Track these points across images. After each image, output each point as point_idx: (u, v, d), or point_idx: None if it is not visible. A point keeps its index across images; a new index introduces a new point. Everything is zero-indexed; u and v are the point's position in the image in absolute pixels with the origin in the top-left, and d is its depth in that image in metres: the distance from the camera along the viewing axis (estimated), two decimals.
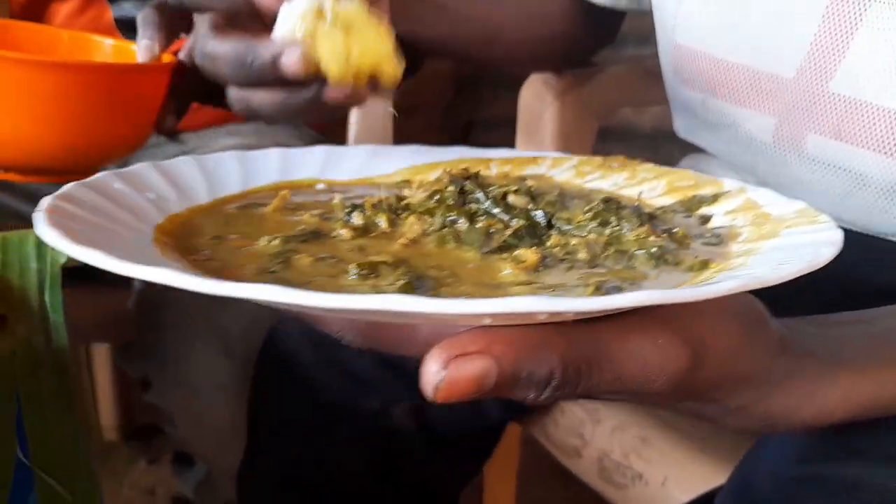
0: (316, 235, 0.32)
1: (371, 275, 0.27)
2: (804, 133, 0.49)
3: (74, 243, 0.23)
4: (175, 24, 0.56)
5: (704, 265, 0.29)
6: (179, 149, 0.83)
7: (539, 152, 0.47)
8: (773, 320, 0.30)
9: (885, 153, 0.45)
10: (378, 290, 0.26)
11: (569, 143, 0.72)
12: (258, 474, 0.63)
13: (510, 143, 0.77)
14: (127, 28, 0.75)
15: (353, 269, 0.27)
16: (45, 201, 0.27)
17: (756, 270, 0.22)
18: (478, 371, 0.22)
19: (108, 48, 0.64)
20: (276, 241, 0.30)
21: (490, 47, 0.67)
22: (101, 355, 1.15)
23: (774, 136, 0.50)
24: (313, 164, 0.45)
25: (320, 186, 0.42)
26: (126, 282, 0.80)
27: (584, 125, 0.74)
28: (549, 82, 0.74)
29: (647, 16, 0.64)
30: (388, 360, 0.56)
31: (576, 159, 0.46)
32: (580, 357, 0.24)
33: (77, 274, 0.46)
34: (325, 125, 0.91)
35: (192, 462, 0.86)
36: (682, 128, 0.60)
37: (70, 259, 0.36)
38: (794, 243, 0.28)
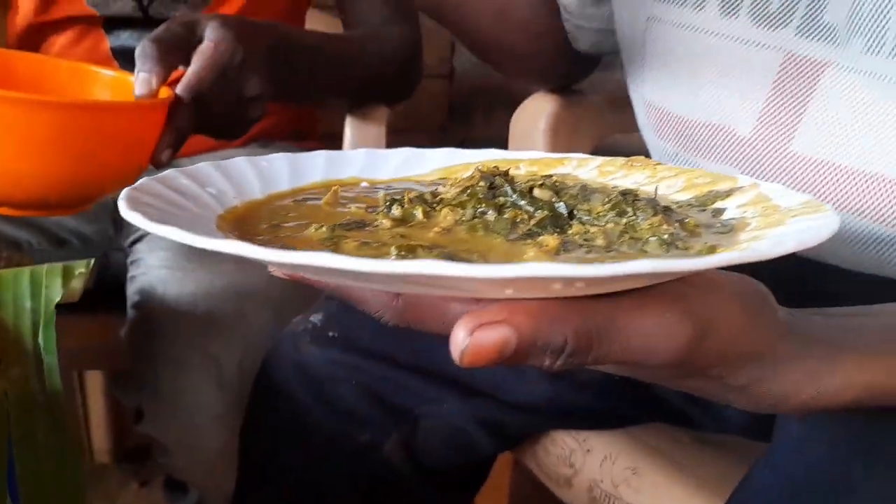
0: (360, 225, 0.36)
1: (409, 255, 0.30)
2: None
3: (156, 222, 0.26)
4: (172, 57, 0.58)
5: (712, 250, 0.32)
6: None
7: (565, 154, 0.50)
8: (782, 308, 0.32)
9: (850, 211, 0.46)
10: None
11: None
12: (250, 501, 0.65)
13: None
14: (124, 58, 0.76)
15: (393, 251, 0.30)
16: (126, 191, 0.31)
17: (756, 244, 0.25)
18: (499, 338, 0.26)
19: (106, 79, 0.64)
20: (324, 229, 0.34)
21: (501, 23, 0.67)
22: (94, 377, 1.14)
23: None
24: (356, 164, 0.48)
25: (364, 185, 0.46)
26: (119, 310, 0.80)
27: (574, 151, 0.77)
28: (540, 108, 0.76)
29: None
30: (378, 394, 0.57)
31: (600, 160, 0.49)
32: (592, 328, 0.27)
33: (70, 304, 0.47)
34: (318, 145, 0.93)
35: (184, 488, 0.84)
36: None
37: (65, 295, 0.37)
38: (796, 228, 0.30)
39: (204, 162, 0.41)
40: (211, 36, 0.60)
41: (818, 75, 0.47)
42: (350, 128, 0.87)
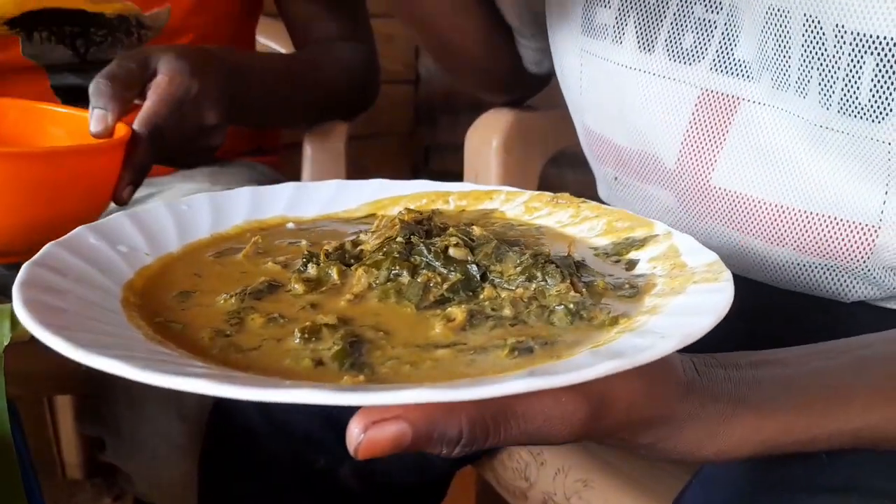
0: (272, 289, 0.36)
1: (312, 338, 0.30)
2: (701, 217, 0.52)
3: (44, 328, 0.26)
4: (127, 92, 0.57)
5: (614, 321, 0.32)
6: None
7: (494, 187, 0.51)
8: (685, 361, 0.33)
9: (773, 242, 0.48)
10: (316, 355, 0.29)
11: (514, 185, 0.75)
12: None
13: None
14: (66, 95, 0.74)
15: (297, 334, 0.30)
16: (24, 272, 0.31)
17: (607, 363, 0.25)
18: (394, 434, 0.26)
19: (59, 116, 0.63)
20: (233, 300, 0.34)
21: (460, 33, 0.67)
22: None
23: (679, 208, 0.54)
24: (282, 201, 0.48)
25: (290, 226, 0.46)
26: None
27: (528, 167, 0.77)
28: (494, 124, 0.77)
29: None
30: (333, 419, 0.58)
31: (527, 195, 0.49)
32: (487, 417, 0.27)
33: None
34: (280, 158, 0.91)
35: None
36: (604, 195, 0.64)
37: (14, 336, 0.37)
38: (689, 307, 0.31)
39: (118, 213, 0.40)
40: (164, 69, 0.60)
41: (733, 110, 0.48)
42: (309, 143, 0.86)
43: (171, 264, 0.39)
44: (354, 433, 0.26)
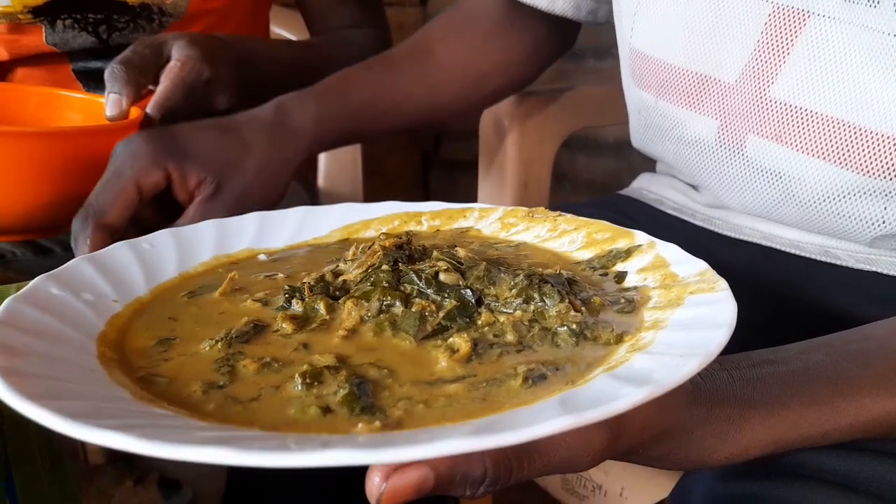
0: (258, 331, 0.33)
1: (314, 383, 0.28)
2: (745, 134, 0.52)
3: (27, 400, 0.23)
4: (141, 77, 0.58)
5: (619, 339, 0.32)
6: None
7: (467, 204, 0.50)
8: None
9: (819, 156, 0.48)
10: (322, 402, 0.27)
11: (529, 168, 0.75)
12: (243, 499, 0.64)
13: (478, 154, 0.80)
14: (87, 79, 0.76)
15: (297, 380, 0.29)
16: None
17: (632, 394, 0.25)
18: (416, 479, 0.25)
19: (76, 102, 0.66)
20: (219, 346, 0.31)
21: (436, 119, 0.71)
22: None
23: (718, 137, 0.54)
24: (248, 233, 0.46)
25: (262, 257, 0.44)
26: None
27: (543, 149, 0.77)
28: (507, 111, 0.76)
29: (605, 31, 0.67)
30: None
31: (501, 210, 0.49)
32: (511, 455, 0.26)
33: None
34: None
35: (178, 485, 0.86)
36: (636, 136, 0.64)
37: None
38: (694, 321, 0.31)
39: (77, 259, 0.37)
40: (178, 55, 0.60)
41: (802, 24, 0.49)
42: None
43: (142, 310, 0.36)
44: (375, 482, 0.25)
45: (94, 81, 0.74)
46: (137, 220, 0.52)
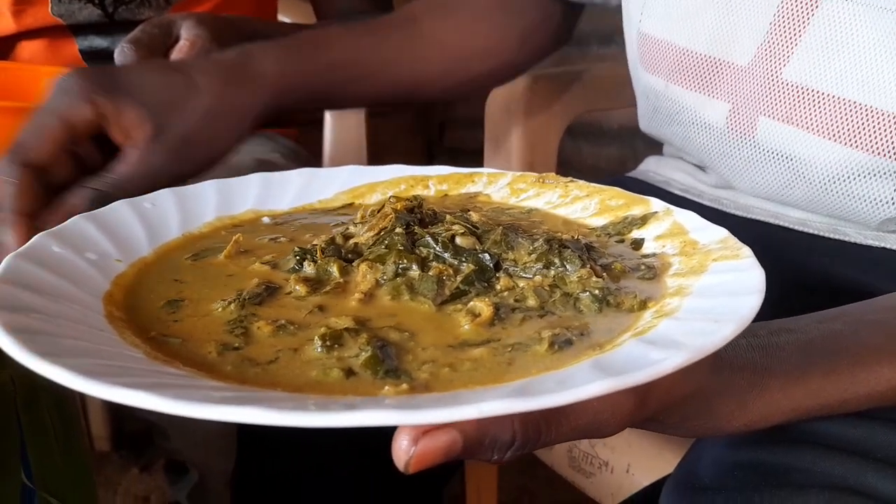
0: (270, 292, 0.32)
1: (335, 345, 0.27)
2: (756, 116, 0.51)
3: (38, 357, 0.22)
4: (150, 56, 0.57)
5: (643, 305, 0.31)
6: None
7: (475, 169, 0.48)
8: None
9: (831, 137, 0.48)
10: (344, 364, 0.26)
11: (534, 151, 0.74)
12: (252, 479, 0.64)
13: (482, 142, 0.78)
14: (93, 59, 0.75)
15: (317, 342, 0.27)
16: None
17: (671, 357, 0.24)
18: (445, 443, 0.24)
19: None
20: (232, 307, 0.30)
21: (418, 95, 0.68)
22: None
23: (728, 121, 0.53)
24: (251, 194, 0.44)
25: (266, 220, 0.42)
26: None
27: (549, 132, 0.76)
28: (513, 94, 0.75)
29: (609, 16, 0.65)
30: None
31: (510, 175, 0.48)
32: (538, 417, 0.26)
33: None
34: (300, 132, 0.91)
35: (184, 469, 0.86)
36: (644, 120, 0.63)
37: None
38: (721, 287, 0.30)
39: (77, 217, 0.36)
40: (186, 35, 0.59)
41: (815, 5, 0.48)
42: (330, 115, 0.85)
43: (147, 270, 0.34)
44: (403, 446, 0.24)
45: (101, 61, 0.73)
46: (81, 160, 0.47)
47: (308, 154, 0.83)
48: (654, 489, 0.46)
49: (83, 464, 0.41)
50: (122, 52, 0.56)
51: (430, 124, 1.49)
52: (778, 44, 0.50)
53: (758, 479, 0.37)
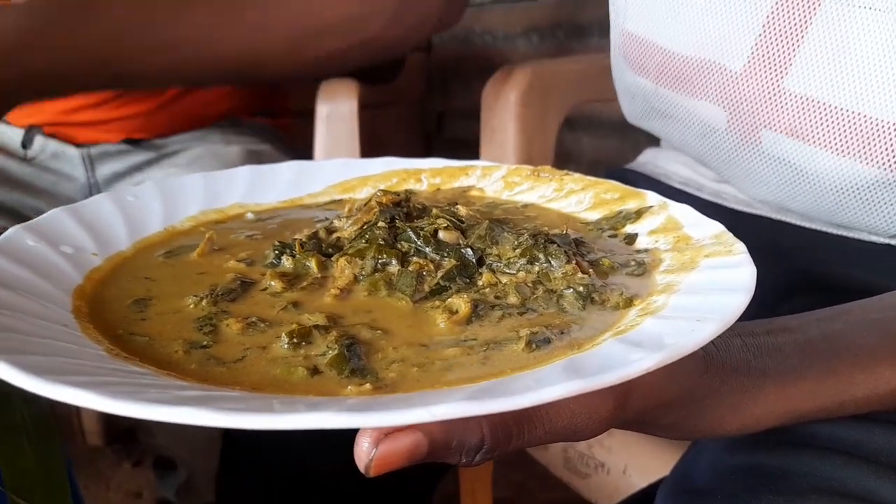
0: (245, 288, 0.31)
1: (302, 343, 0.27)
2: (758, 128, 0.49)
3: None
4: None
5: (629, 303, 0.30)
6: (148, 155, 0.80)
7: (468, 162, 0.47)
8: None
9: (839, 153, 0.45)
10: (310, 363, 0.26)
11: (531, 143, 0.73)
12: (235, 478, 0.63)
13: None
14: None
15: (284, 339, 0.27)
16: None
17: (645, 358, 0.23)
18: (409, 445, 0.23)
19: None
20: (204, 303, 0.30)
21: (260, 74, 0.61)
22: None
23: (727, 127, 0.50)
24: (238, 188, 0.43)
25: (249, 216, 0.41)
26: None
27: (546, 123, 0.74)
28: (511, 79, 0.73)
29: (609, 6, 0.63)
30: None
31: (505, 168, 0.46)
32: (510, 420, 0.25)
33: None
34: (293, 124, 0.89)
35: (173, 466, 0.86)
36: (631, 114, 0.60)
37: None
38: (710, 284, 0.29)
39: (57, 209, 0.35)
40: None
41: (814, 8, 0.45)
42: (321, 105, 0.81)
43: (123, 266, 0.34)
44: (364, 448, 0.23)
45: None
46: None
47: (301, 145, 0.82)
48: (651, 492, 0.45)
49: (57, 465, 0.40)
50: None
51: (427, 116, 1.48)
52: (775, 49, 0.47)
53: (755, 483, 0.36)
